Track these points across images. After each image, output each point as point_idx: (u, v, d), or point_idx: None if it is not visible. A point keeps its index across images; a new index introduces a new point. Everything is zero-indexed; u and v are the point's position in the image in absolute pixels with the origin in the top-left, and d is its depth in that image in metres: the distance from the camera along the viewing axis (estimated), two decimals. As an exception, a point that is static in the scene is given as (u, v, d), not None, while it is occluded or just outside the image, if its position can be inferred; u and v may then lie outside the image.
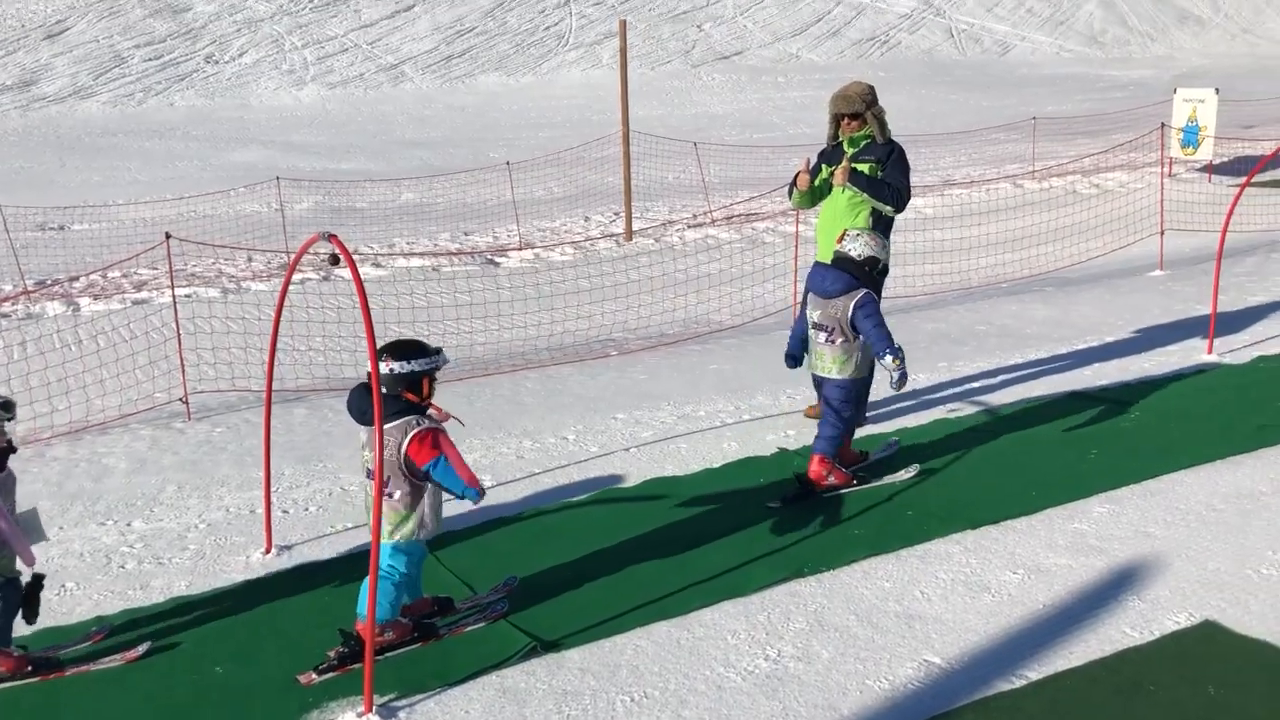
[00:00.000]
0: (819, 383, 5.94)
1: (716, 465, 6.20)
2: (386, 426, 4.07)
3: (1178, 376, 7.47)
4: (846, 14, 54.70)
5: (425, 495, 4.23)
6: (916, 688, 3.81)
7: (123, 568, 5.24)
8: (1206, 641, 4.01)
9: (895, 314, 10.94)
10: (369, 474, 4.18)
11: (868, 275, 5.68)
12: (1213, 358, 7.86)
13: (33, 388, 8.89)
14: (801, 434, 6.63)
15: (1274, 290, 10.34)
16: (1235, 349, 8.07)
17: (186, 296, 13.02)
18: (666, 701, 3.81)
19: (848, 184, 6.42)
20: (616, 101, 18.68)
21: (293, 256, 4.91)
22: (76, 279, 15.41)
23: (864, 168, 6.46)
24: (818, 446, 5.73)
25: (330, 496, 6.05)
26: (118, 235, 18.79)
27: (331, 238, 4.11)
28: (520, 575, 4.82)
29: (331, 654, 4.15)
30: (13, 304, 13.91)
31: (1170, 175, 18.96)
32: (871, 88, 6.59)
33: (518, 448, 6.75)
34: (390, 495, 4.15)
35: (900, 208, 6.50)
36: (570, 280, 12.79)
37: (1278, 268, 11.69)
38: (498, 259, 16.28)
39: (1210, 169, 20.48)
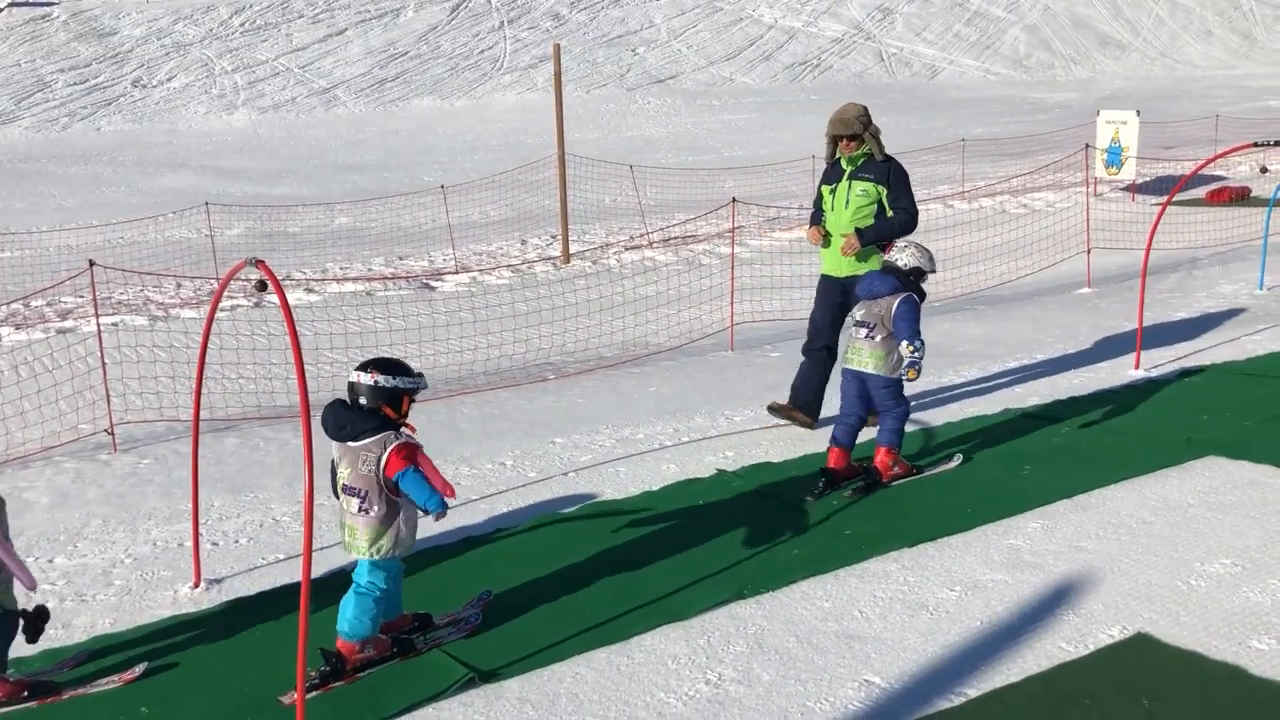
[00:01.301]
0: (856, 381, 6.11)
1: (655, 488, 6.17)
2: (365, 441, 4.14)
3: (1107, 392, 7.61)
4: (779, 38, 55.48)
5: (401, 511, 4.22)
6: (857, 708, 3.80)
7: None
8: (1139, 653, 4.06)
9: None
10: (343, 488, 4.22)
11: (912, 283, 6.06)
12: (1140, 373, 8.03)
13: (-50, 421, 8.61)
14: (740, 455, 6.63)
15: (1196, 306, 10.61)
16: (1161, 364, 8.25)
17: (113, 325, 12.72)
18: (607, 730, 3.75)
19: (861, 247, 6.84)
20: (552, 125, 18.70)
21: (220, 282, 4.81)
22: (-3, 308, 14.98)
23: (865, 185, 6.83)
24: (882, 439, 6.05)
25: (261, 528, 5.91)
26: (41, 263, 18.35)
27: (259, 263, 4.03)
28: (455, 604, 4.74)
29: (314, 673, 4.09)
30: (-70, 334, 13.47)
31: (1096, 195, 19.43)
32: (866, 109, 6.92)
33: (454, 475, 6.65)
34: (367, 511, 4.15)
35: (913, 227, 6.83)
36: (507, 304, 12.72)
37: (1198, 284, 12.01)
38: (433, 283, 16.15)
39: (1134, 188, 21.04)
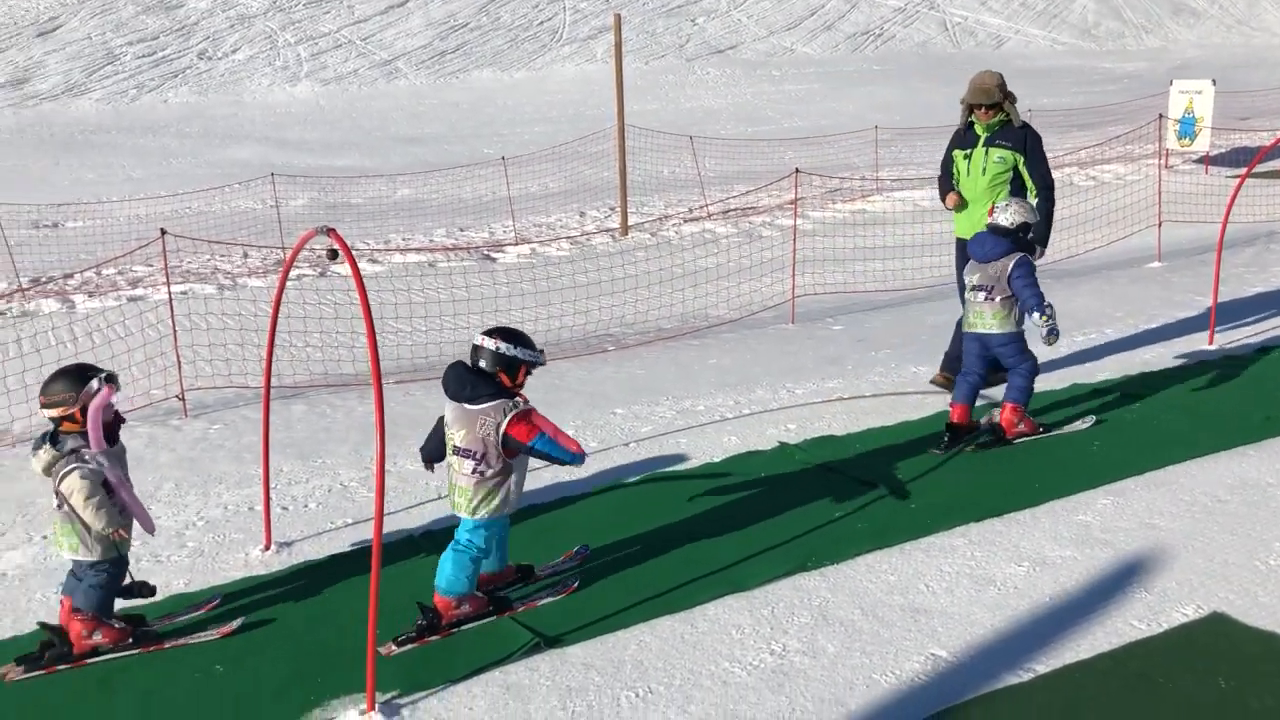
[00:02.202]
0: (977, 342, 6.22)
1: (717, 459, 6.17)
2: (483, 406, 4.25)
3: (1179, 368, 7.45)
4: (841, 7, 54.65)
5: (514, 471, 4.35)
6: (923, 681, 3.78)
7: (121, 566, 5.19)
8: (1215, 634, 3.99)
9: (896, 307, 10.94)
10: (454, 450, 4.33)
11: (1021, 240, 6.11)
12: (1214, 349, 7.84)
13: (28, 385, 8.82)
14: (802, 428, 6.60)
15: (1273, 280, 10.33)
16: (1236, 340, 8.05)
17: (182, 293, 12.96)
18: (672, 697, 3.77)
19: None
20: (611, 96, 18.63)
21: (289, 251, 4.87)
22: (71, 276, 15.35)
23: (1002, 153, 6.91)
24: (1009, 396, 6.17)
25: (330, 493, 6.01)
26: (112, 232, 18.72)
27: (330, 232, 4.07)
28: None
29: (411, 628, 4.26)
30: (7, 302, 13.84)
31: (1168, 167, 18.95)
32: (1002, 76, 7.01)
33: (517, 443, 6.71)
34: (482, 473, 4.27)
35: (1052, 199, 6.96)
36: (567, 275, 12.74)
37: (1276, 258, 11.68)
38: (494, 254, 16.23)
39: (1207, 160, 20.47)
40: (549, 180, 23.48)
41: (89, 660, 4.25)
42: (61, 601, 4.37)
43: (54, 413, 4.23)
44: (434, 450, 4.61)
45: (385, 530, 4.59)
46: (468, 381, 4.29)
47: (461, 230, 19.35)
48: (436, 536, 5.26)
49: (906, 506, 5.31)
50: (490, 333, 4.36)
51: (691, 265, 13.60)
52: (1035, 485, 5.45)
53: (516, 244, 17.15)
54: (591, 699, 3.79)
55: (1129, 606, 4.21)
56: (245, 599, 4.74)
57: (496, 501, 4.32)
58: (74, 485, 4.14)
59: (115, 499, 4.24)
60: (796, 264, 11.31)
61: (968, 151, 7.06)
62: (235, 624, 4.47)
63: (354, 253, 3.97)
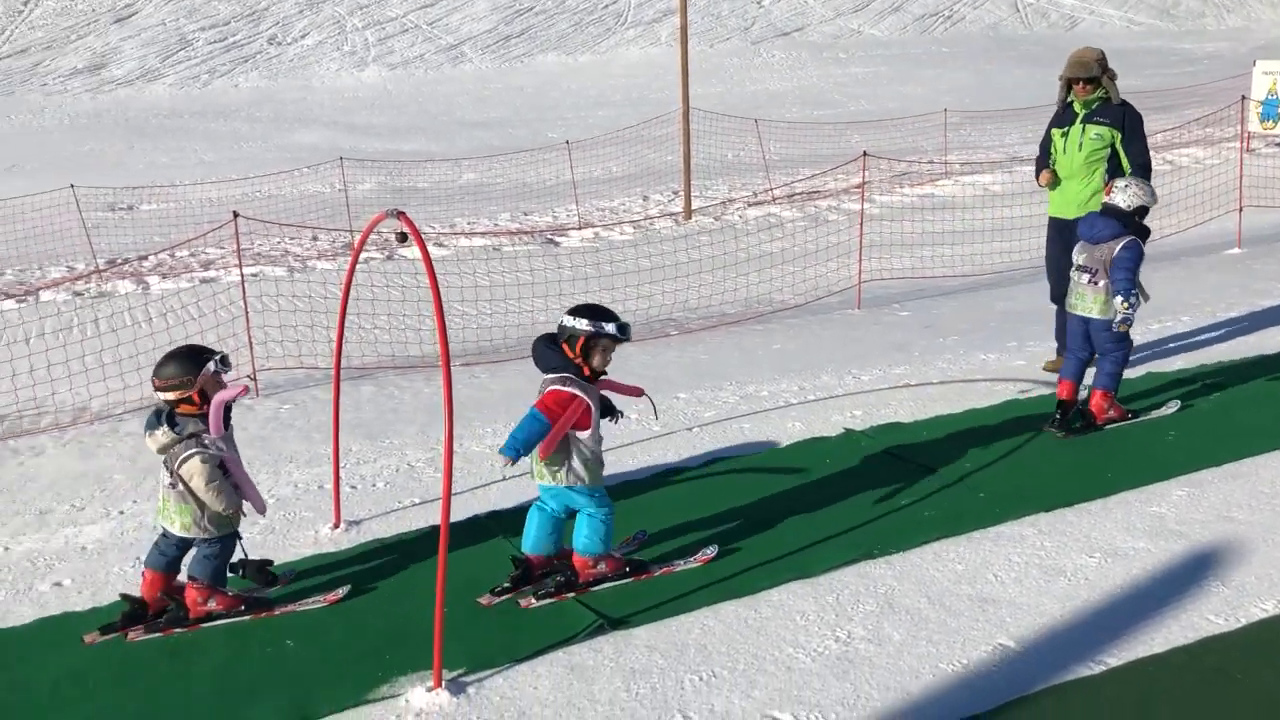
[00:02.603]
0: (1081, 323, 6.14)
1: (781, 445, 6.14)
2: (548, 376, 4.39)
3: (1260, 357, 7.24)
4: (909, -12, 53.83)
5: (572, 447, 4.38)
6: (991, 671, 3.74)
7: (195, 541, 5.31)
8: (1295, 630, 3.88)
9: (964, 293, 10.78)
10: None
11: (1136, 224, 5.98)
12: (1296, 338, 7.62)
13: (105, 364, 9.07)
14: (869, 414, 6.53)
15: (1359, 268, 10.00)
16: (1319, 329, 7.81)
17: (253, 275, 13.20)
18: (735, 681, 3.77)
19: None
20: (675, 80, 18.57)
21: (359, 235, 4.93)
22: (146, 258, 15.71)
23: (1099, 129, 6.81)
24: (1099, 382, 6.11)
25: (397, 473, 6.09)
26: (185, 215, 19.13)
27: (400, 215, 4.11)
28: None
29: (551, 585, 4.44)
30: (85, 282, 14.21)
31: (1249, 150, 18.43)
32: (1103, 52, 6.92)
33: (581, 426, 6.74)
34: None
35: (1148, 178, 6.72)
36: (630, 259, 12.75)
37: (1362, 245, 11.31)
38: (557, 238, 16.29)
39: (1290, 144, 19.86)
40: (612, 164, 23.50)
41: (204, 624, 4.41)
42: (144, 574, 4.50)
43: (171, 395, 4.33)
44: None
45: (451, 511, 4.64)
46: (542, 353, 4.41)
47: (525, 214, 19.46)
48: (502, 517, 5.31)
49: (974, 495, 5.24)
50: (572, 307, 4.44)
51: (755, 249, 13.53)
52: (1107, 475, 5.34)
53: (580, 228, 17.19)
54: (655, 681, 3.80)
55: (1205, 600, 4.11)
56: (315, 577, 4.82)
57: (564, 472, 4.38)
58: (195, 469, 4.28)
59: (232, 480, 4.38)
60: (863, 249, 11.20)
61: (1065, 129, 6.96)
62: (342, 591, 4.57)
63: (421, 236, 4.01)
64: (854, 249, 11.32)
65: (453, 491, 5.27)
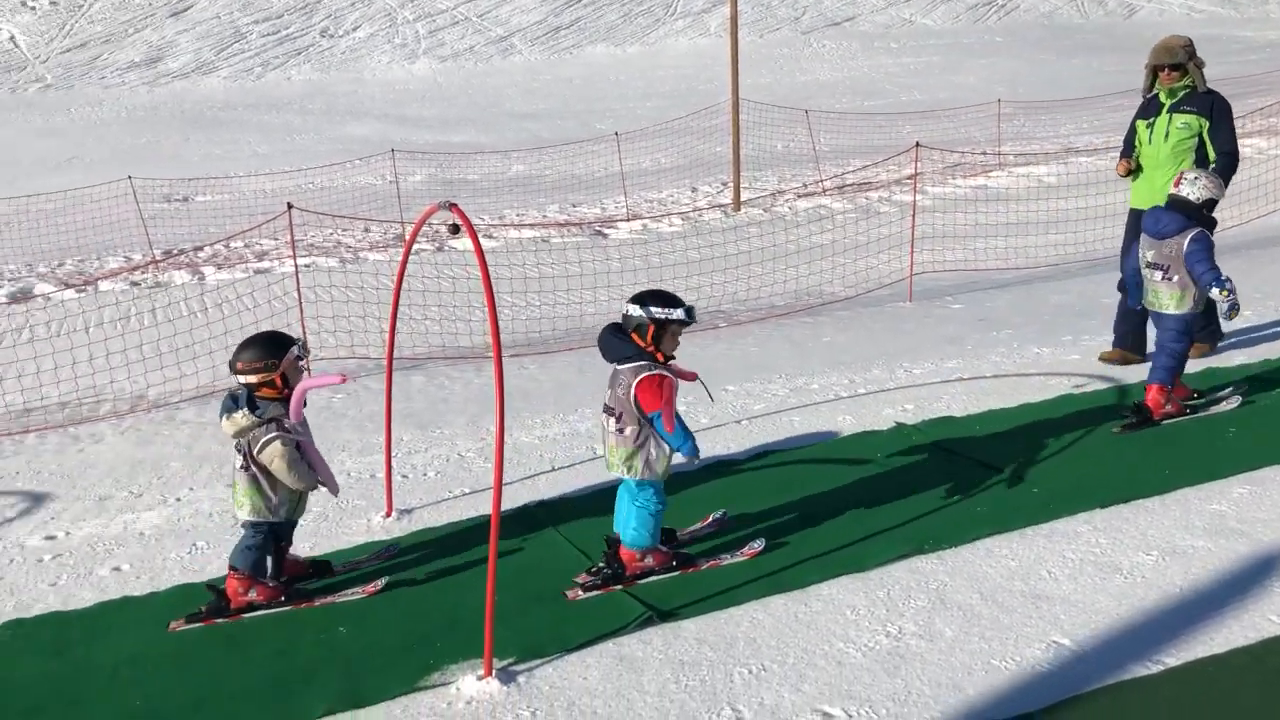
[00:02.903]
0: (1154, 319, 6.11)
1: (831, 439, 6.09)
2: (622, 367, 4.38)
3: (1323, 352, 7.08)
4: (962, -23, 53.12)
5: (651, 439, 4.39)
6: (1046, 670, 3.69)
7: (250, 528, 5.39)
8: (1361, 632, 3.79)
9: (1018, 285, 10.64)
10: (604, 408, 4.46)
11: (1203, 216, 5.88)
12: (1362, 333, 7.43)
13: (163, 353, 9.23)
14: (920, 408, 6.47)
15: None
16: (1387, 324, 7.61)
17: (306, 266, 13.35)
18: (785, 675, 3.75)
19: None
20: (724, 70, 18.49)
21: (411, 227, 4.96)
22: (201, 249, 15.95)
23: (1186, 118, 6.71)
24: (1154, 377, 6.00)
25: (448, 462, 6.13)
26: (239, 206, 19.38)
27: (452, 207, 4.14)
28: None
29: (592, 572, 4.50)
30: (142, 273, 14.46)
31: (1311, 141, 17.97)
32: (1190, 39, 6.81)
33: (630, 417, 6.74)
34: (621, 431, 4.37)
35: (1235, 169, 6.68)
36: (679, 251, 12.73)
37: None
38: (606, 230, 16.30)
39: (1355, 134, 19.34)
40: (661, 156, 23.46)
41: (244, 615, 4.46)
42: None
43: (253, 379, 4.39)
44: None
45: (503, 502, 4.66)
46: (611, 345, 4.41)
47: (574, 206, 19.48)
48: (552, 507, 5.33)
49: (1028, 490, 5.17)
50: (634, 296, 4.42)
51: (805, 241, 13.44)
52: (1165, 471, 5.25)
53: (628, 219, 17.19)
54: (704, 674, 3.79)
55: (1267, 601, 4.02)
56: (368, 566, 4.87)
57: (639, 464, 4.38)
58: (276, 453, 4.34)
59: (308, 460, 4.47)
60: (915, 241, 11.09)
61: (1151, 120, 6.84)
62: (381, 583, 4.60)
63: (474, 229, 4.03)
64: (905, 241, 11.22)
65: (503, 482, 5.30)
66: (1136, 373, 6.91)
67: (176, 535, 5.40)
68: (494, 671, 3.83)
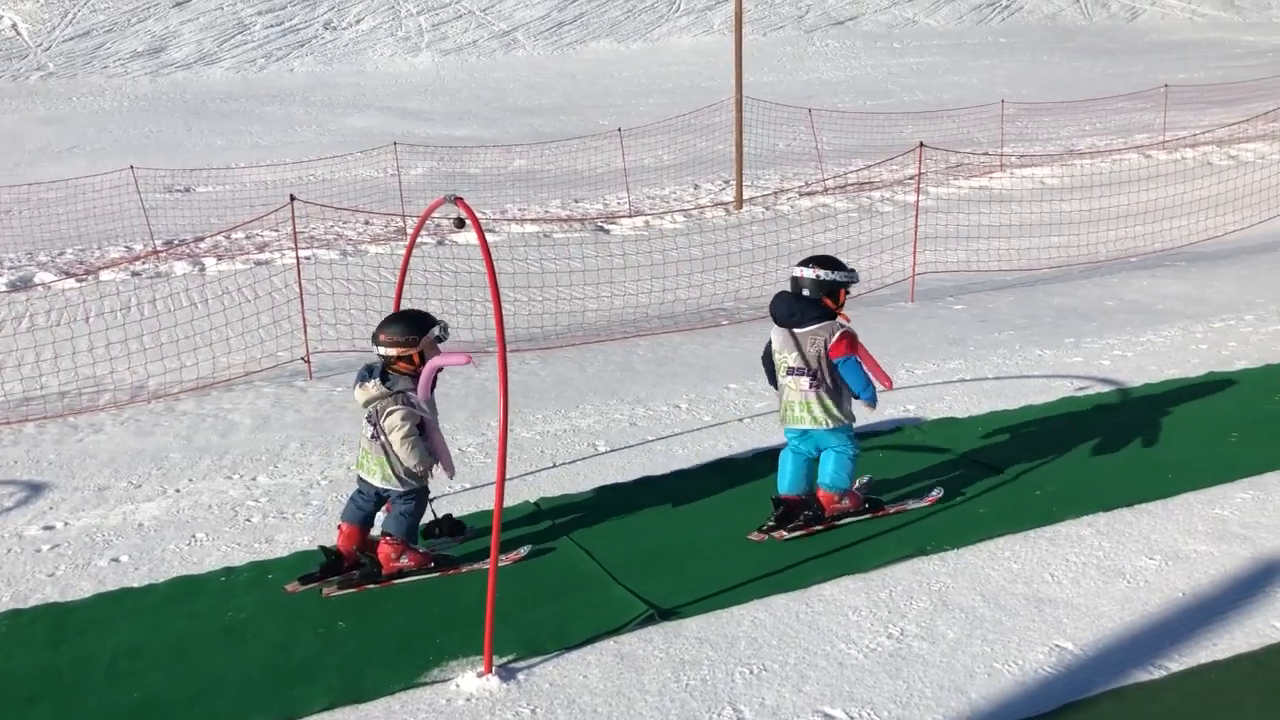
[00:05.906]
0: None
1: (833, 438, 6.06)
2: (812, 327, 4.72)
3: (1326, 358, 7.06)
4: (966, -22, 53.05)
5: (843, 387, 4.71)
6: (1048, 674, 3.67)
7: (249, 521, 5.38)
8: (1364, 639, 3.77)
9: (1020, 287, 10.62)
10: (788, 371, 4.76)
11: None
12: (1365, 339, 7.42)
13: (163, 344, 9.20)
14: (922, 409, 6.46)
15: None
16: (1390, 330, 7.60)
17: (306, 258, 13.30)
18: (786, 675, 3.74)
19: None
20: (727, 68, 18.45)
21: (415, 221, 4.94)
22: (202, 239, 15.91)
23: None
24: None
25: (447, 457, 6.10)
26: (239, 198, 19.33)
27: (457, 200, 4.12)
28: (635, 543, 4.80)
29: (777, 516, 4.78)
30: (143, 263, 14.42)
31: (1314, 146, 17.98)
32: None
33: (630, 414, 6.73)
34: (818, 387, 4.71)
35: None
36: (681, 248, 12.70)
37: None
38: (608, 226, 16.27)
39: (1359, 140, 19.33)
40: (663, 152, 23.41)
41: (396, 581, 4.53)
42: (340, 527, 4.66)
43: (394, 351, 4.50)
44: (770, 375, 4.97)
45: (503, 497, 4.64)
46: (796, 309, 4.74)
47: (576, 201, 19.45)
48: (553, 503, 5.31)
49: (1030, 493, 5.15)
50: (806, 262, 4.78)
51: (807, 240, 13.39)
52: (1168, 476, 5.23)
53: (630, 216, 17.16)
54: (705, 673, 3.78)
55: (1270, 607, 4.01)
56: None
57: (836, 412, 4.70)
58: (395, 423, 4.44)
59: (428, 441, 4.52)
60: (917, 241, 11.06)
61: None
62: (524, 550, 4.74)
63: (479, 223, 4.01)
64: (907, 241, 11.20)
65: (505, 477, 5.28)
66: (1141, 374, 6.89)
67: (176, 526, 5.38)
68: (494, 668, 3.82)
